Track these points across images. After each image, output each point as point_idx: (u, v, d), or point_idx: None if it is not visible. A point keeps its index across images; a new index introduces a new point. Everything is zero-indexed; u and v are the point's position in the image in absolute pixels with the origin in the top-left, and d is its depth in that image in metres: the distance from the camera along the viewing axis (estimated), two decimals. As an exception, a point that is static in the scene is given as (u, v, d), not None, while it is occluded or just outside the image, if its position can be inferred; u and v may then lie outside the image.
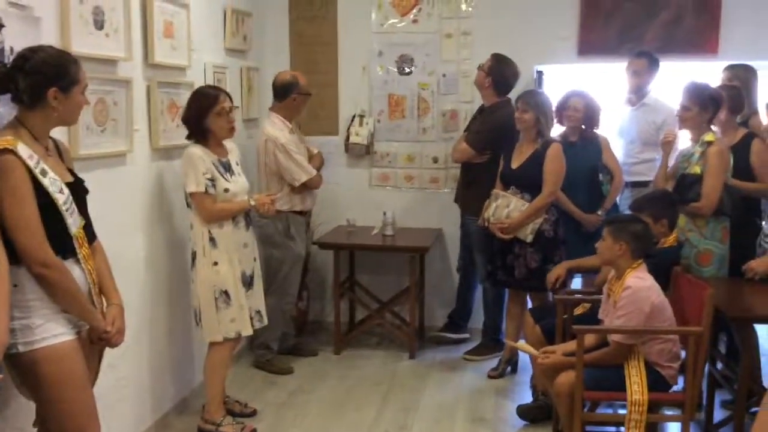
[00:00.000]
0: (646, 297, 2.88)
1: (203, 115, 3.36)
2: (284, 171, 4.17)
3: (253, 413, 3.75)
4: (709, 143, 3.51)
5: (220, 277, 3.39)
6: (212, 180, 3.35)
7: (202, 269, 3.39)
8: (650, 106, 4.44)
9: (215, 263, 3.38)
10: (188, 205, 3.44)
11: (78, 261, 2.28)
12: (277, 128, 4.22)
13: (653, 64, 4.42)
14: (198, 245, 3.39)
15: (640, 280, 2.91)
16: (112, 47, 3.06)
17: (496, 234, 3.99)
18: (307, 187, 4.29)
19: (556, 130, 4.26)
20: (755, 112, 4.07)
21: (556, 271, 3.82)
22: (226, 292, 3.40)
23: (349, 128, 5.03)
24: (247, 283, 3.52)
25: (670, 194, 3.50)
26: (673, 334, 2.90)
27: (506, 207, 3.97)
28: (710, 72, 4.36)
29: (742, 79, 4.06)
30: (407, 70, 4.96)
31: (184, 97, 3.62)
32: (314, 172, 4.28)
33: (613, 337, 2.91)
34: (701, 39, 4.57)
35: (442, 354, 4.72)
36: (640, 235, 3.00)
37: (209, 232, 3.38)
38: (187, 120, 3.42)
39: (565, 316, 3.39)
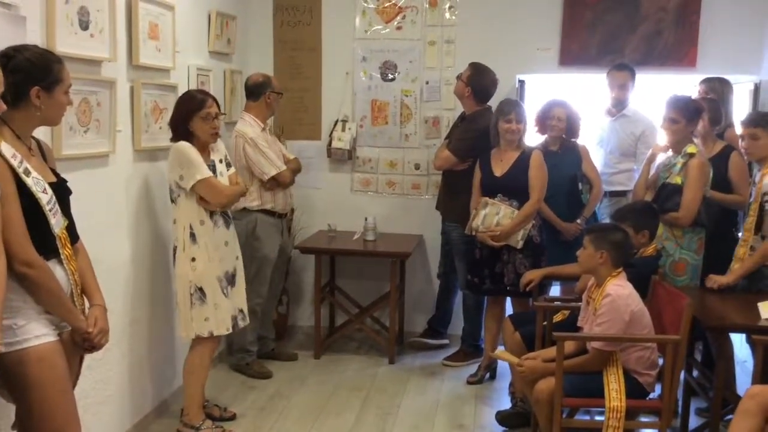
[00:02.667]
0: (626, 305, 2.92)
1: (188, 117, 3.36)
2: (253, 165, 4.15)
3: (232, 417, 3.73)
4: (691, 155, 3.57)
5: (196, 274, 3.39)
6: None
7: (180, 264, 3.40)
8: (629, 117, 4.51)
9: (193, 259, 3.38)
10: (172, 201, 3.43)
11: (60, 261, 2.26)
12: (247, 125, 4.23)
13: (634, 76, 4.49)
14: (179, 240, 3.40)
15: (620, 288, 2.96)
16: (97, 48, 3.05)
17: (487, 242, 4.02)
18: (277, 184, 4.24)
19: (536, 139, 4.31)
20: (731, 125, 4.14)
21: (530, 275, 3.88)
22: (201, 290, 3.40)
23: (331, 133, 5.04)
24: (230, 281, 3.52)
25: (652, 206, 3.56)
26: (651, 342, 2.94)
27: (495, 214, 4.00)
28: (688, 85, 4.44)
29: (718, 92, 4.13)
30: (390, 76, 4.99)
31: (167, 99, 3.62)
32: (284, 167, 4.23)
33: (593, 344, 2.95)
34: (680, 52, 4.66)
35: (422, 360, 4.74)
36: (620, 244, 3.04)
37: (190, 227, 3.39)
38: (173, 122, 3.43)
39: (545, 323, 3.43)
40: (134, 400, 3.51)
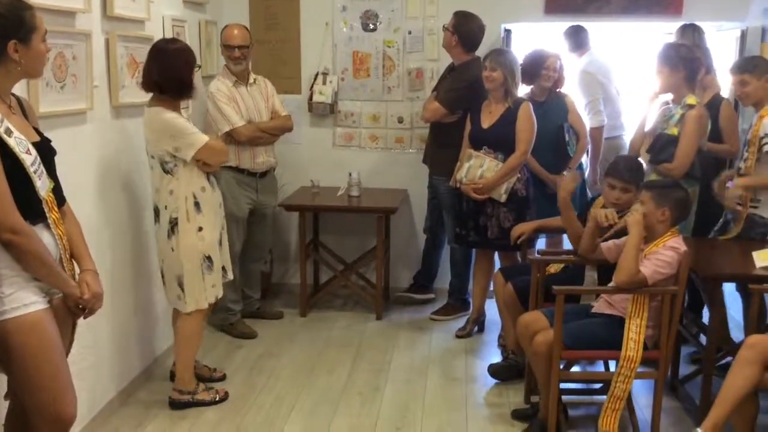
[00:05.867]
0: (680, 261, 2.89)
1: (191, 71, 3.17)
2: (211, 120, 4.03)
3: (222, 378, 3.67)
4: (691, 106, 3.50)
5: (206, 243, 3.25)
6: None
7: (186, 236, 3.21)
8: None
9: (200, 228, 3.23)
10: (167, 172, 3.20)
11: (48, 226, 2.15)
12: (216, 80, 4.13)
13: (570, 40, 4.66)
14: (181, 211, 3.20)
15: (681, 247, 2.91)
16: (70, -3, 2.88)
17: (470, 195, 3.97)
18: (236, 141, 4.07)
19: (521, 90, 4.23)
20: (708, 71, 4.08)
21: (521, 228, 3.85)
22: (209, 258, 3.28)
23: (312, 86, 4.89)
24: (220, 241, 3.42)
25: (637, 159, 3.50)
26: (649, 293, 2.92)
27: (480, 167, 3.94)
28: (667, 33, 4.38)
29: (690, 38, 4.06)
30: (372, 26, 4.83)
31: (143, 52, 3.42)
32: (239, 123, 4.03)
33: (646, 272, 2.87)
34: (666, -1, 4.58)
35: (409, 315, 4.72)
36: (683, 202, 2.97)
37: (194, 195, 3.22)
38: (174, 78, 3.12)
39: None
40: (120, 366, 3.42)
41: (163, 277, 3.37)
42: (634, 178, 3.25)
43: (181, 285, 3.27)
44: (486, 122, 4.02)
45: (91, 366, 3.14)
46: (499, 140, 3.95)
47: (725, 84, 4.07)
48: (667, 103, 3.70)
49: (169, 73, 3.13)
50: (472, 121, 4.08)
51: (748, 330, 3.00)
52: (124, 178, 3.43)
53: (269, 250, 4.82)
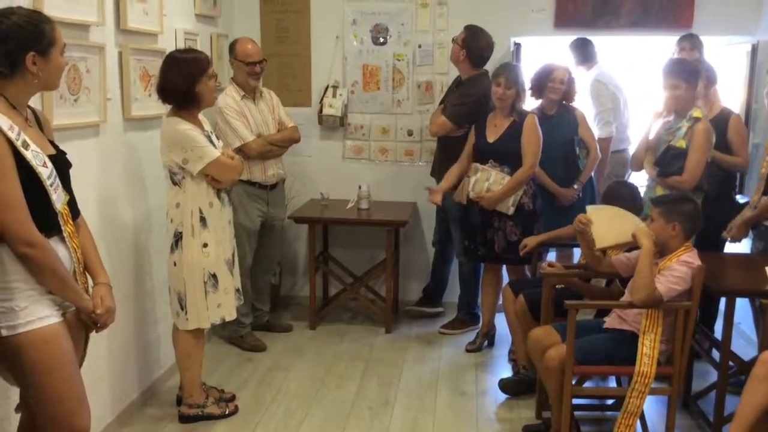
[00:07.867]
0: (694, 276, 2.87)
1: (197, 80, 3.10)
2: (221, 135, 4.00)
3: (232, 398, 3.59)
4: (697, 119, 3.49)
5: (210, 260, 3.20)
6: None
7: (190, 252, 3.17)
8: None
9: (205, 245, 3.19)
10: (175, 183, 3.18)
11: (63, 239, 2.15)
12: (224, 94, 4.12)
13: (576, 53, 4.63)
14: (186, 225, 3.17)
15: (695, 261, 2.90)
16: (85, 11, 2.90)
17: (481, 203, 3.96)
18: (246, 156, 4.05)
19: (532, 104, 4.24)
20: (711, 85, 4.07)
21: (526, 242, 3.86)
22: (214, 275, 3.23)
23: (322, 99, 4.91)
24: (233, 261, 3.39)
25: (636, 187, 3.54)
26: (663, 308, 2.90)
27: (486, 180, 3.93)
28: (669, 45, 4.37)
29: (698, 48, 4.06)
30: (382, 40, 4.85)
31: (156, 65, 3.44)
32: (249, 138, 4.04)
33: (661, 289, 2.85)
34: (676, 12, 4.58)
35: (418, 328, 4.70)
36: (692, 215, 2.95)
37: (200, 210, 3.18)
38: (174, 87, 3.10)
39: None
40: (123, 384, 3.39)
41: (169, 291, 3.35)
42: (641, 204, 3.32)
43: (180, 301, 3.24)
44: (491, 136, 4.01)
45: (100, 379, 3.13)
46: (505, 154, 3.94)
47: (727, 98, 4.06)
48: (664, 115, 3.71)
49: (173, 82, 3.10)
50: (477, 134, 4.06)
51: (764, 346, 2.97)
52: (135, 193, 3.43)
53: (278, 263, 4.82)
